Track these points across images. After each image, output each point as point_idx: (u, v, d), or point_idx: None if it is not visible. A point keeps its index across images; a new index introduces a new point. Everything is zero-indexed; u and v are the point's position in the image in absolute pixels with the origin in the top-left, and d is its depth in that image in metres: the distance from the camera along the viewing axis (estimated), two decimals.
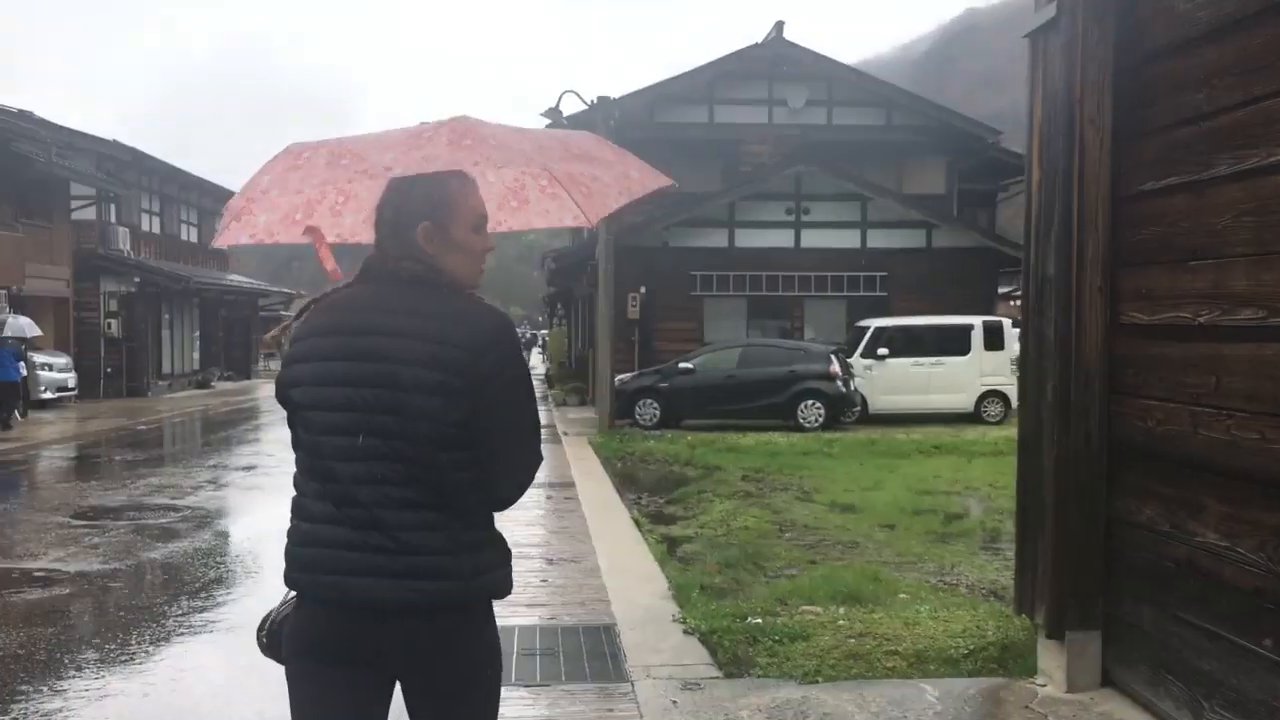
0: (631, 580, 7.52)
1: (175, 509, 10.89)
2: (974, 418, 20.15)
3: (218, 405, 26.41)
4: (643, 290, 22.88)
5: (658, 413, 19.36)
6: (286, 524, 2.19)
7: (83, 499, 11.58)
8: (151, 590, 7.53)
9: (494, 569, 2.14)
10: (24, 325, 21.02)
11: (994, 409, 20.28)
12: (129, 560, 8.41)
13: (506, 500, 2.14)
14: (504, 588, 2.16)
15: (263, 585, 7.43)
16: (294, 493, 2.18)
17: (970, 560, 8.70)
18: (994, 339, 20.37)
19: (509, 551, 2.21)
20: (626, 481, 13.60)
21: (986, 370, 20.30)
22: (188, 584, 7.60)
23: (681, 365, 19.54)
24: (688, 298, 23.30)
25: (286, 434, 2.26)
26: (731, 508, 11.35)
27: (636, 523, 9.97)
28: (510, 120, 2.51)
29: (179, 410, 24.88)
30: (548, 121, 19.76)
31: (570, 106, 20.97)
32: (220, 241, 2.39)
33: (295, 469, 2.18)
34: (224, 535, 9.70)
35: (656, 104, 24.93)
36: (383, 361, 2.02)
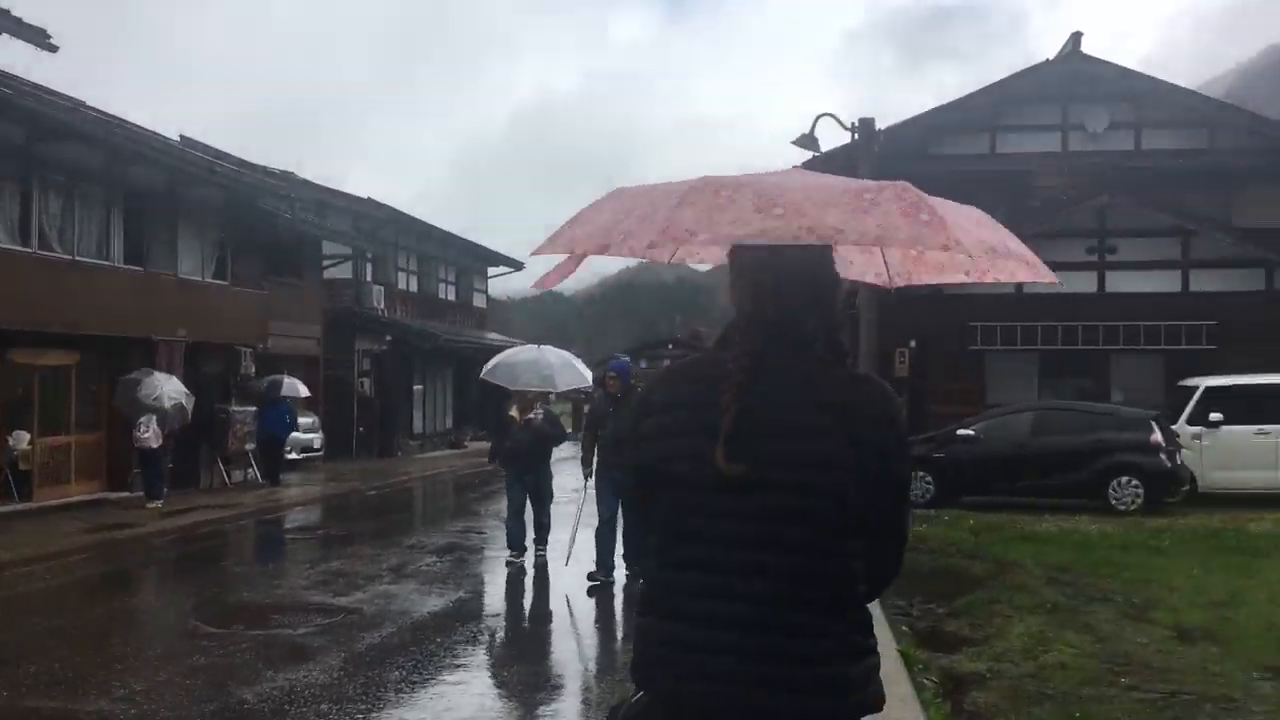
0: None
1: (329, 610, 9.12)
2: None
3: (461, 467, 25.52)
4: (912, 344, 20.13)
5: (931, 488, 16.42)
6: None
7: (225, 593, 10.11)
8: None
9: (876, 678, 1.98)
10: (297, 385, 21.99)
11: None
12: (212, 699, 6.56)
13: (875, 596, 2.06)
14: (882, 698, 1.99)
15: None
16: (647, 583, 2.12)
17: None
18: None
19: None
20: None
21: None
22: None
23: (960, 433, 16.53)
24: (966, 353, 20.24)
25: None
26: (1037, 627, 8.60)
27: (904, 656, 7.28)
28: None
29: (420, 473, 24.11)
30: (803, 153, 17.49)
31: (827, 139, 18.62)
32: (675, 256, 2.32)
33: (656, 555, 2.05)
34: (351, 655, 7.75)
35: (929, 135, 22.18)
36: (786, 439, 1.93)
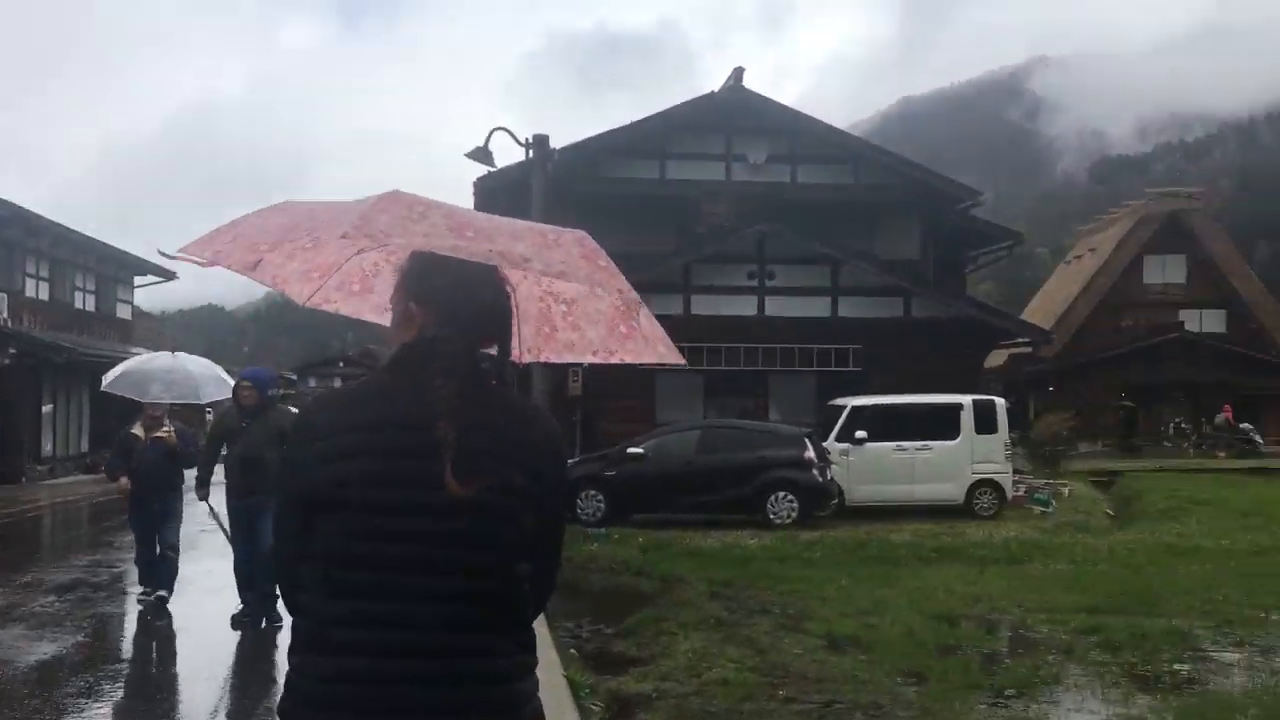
0: None
1: None
2: (964, 510, 17.47)
3: (97, 493, 22.98)
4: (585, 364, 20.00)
5: (603, 507, 16.46)
6: None
7: None
8: None
9: (537, 696, 2.04)
10: None
11: (986, 500, 17.63)
12: None
13: (538, 615, 2.10)
14: (542, 716, 2.05)
15: None
16: (301, 617, 1.98)
17: None
18: (986, 420, 17.80)
19: None
20: (560, 600, 10.76)
21: (978, 456, 17.69)
22: None
23: (631, 451, 16.69)
24: (636, 372, 20.56)
25: None
26: (701, 644, 8.66)
27: (572, 682, 7.01)
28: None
29: (48, 500, 21.52)
30: (478, 169, 17.14)
31: (503, 157, 18.30)
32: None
33: (308, 588, 1.96)
34: None
35: (602, 157, 22.48)
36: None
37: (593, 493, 16.49)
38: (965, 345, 20.95)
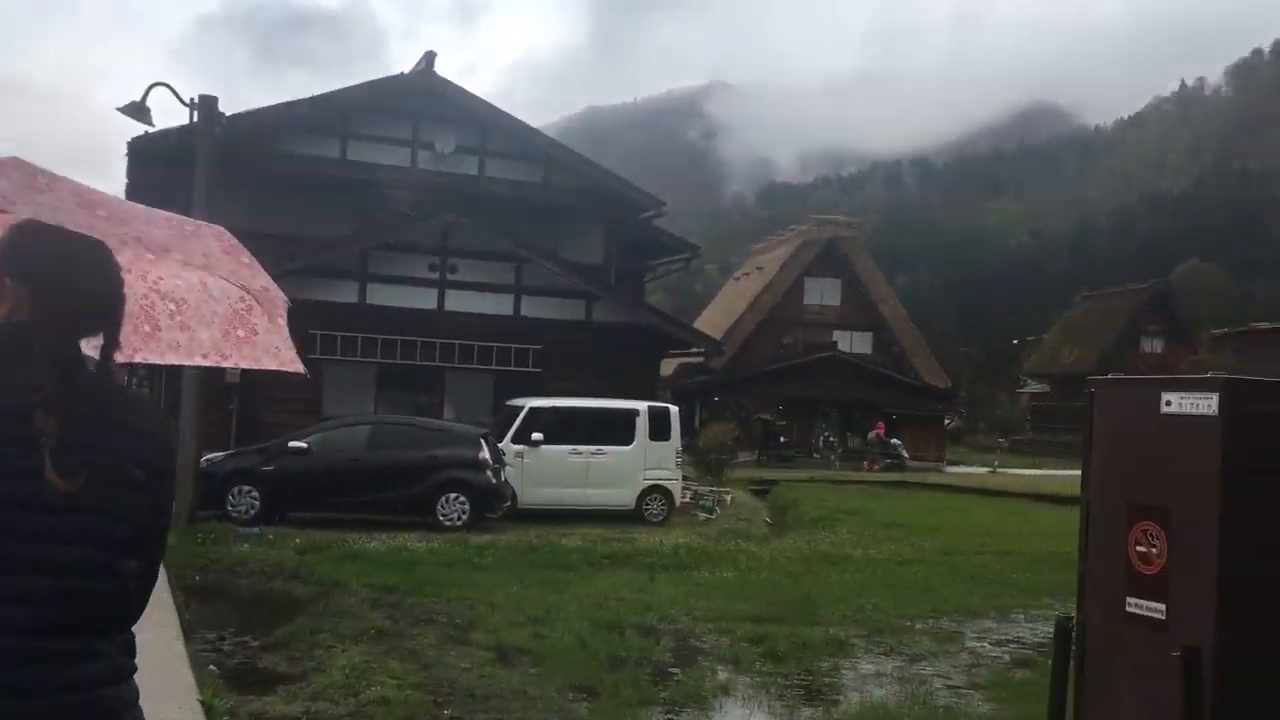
0: None
1: None
2: (635, 516, 17.60)
3: None
4: None
5: (257, 503, 15.20)
6: None
7: None
8: None
9: (139, 705, 1.90)
10: None
11: (656, 506, 17.85)
12: None
13: (139, 615, 1.95)
14: None
15: None
16: None
17: None
18: (660, 427, 18.02)
19: None
20: (203, 608, 9.76)
21: (651, 462, 17.88)
22: None
23: (293, 444, 15.53)
24: (304, 362, 19.26)
25: None
26: (361, 658, 8.01)
27: (207, 708, 6.15)
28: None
29: None
30: (135, 127, 15.38)
31: (165, 118, 16.58)
32: None
33: None
34: None
35: (277, 130, 21.00)
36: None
37: (246, 488, 15.21)
38: (643, 352, 21.20)
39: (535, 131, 22.71)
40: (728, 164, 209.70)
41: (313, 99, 21.11)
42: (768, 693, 7.71)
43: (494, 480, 15.77)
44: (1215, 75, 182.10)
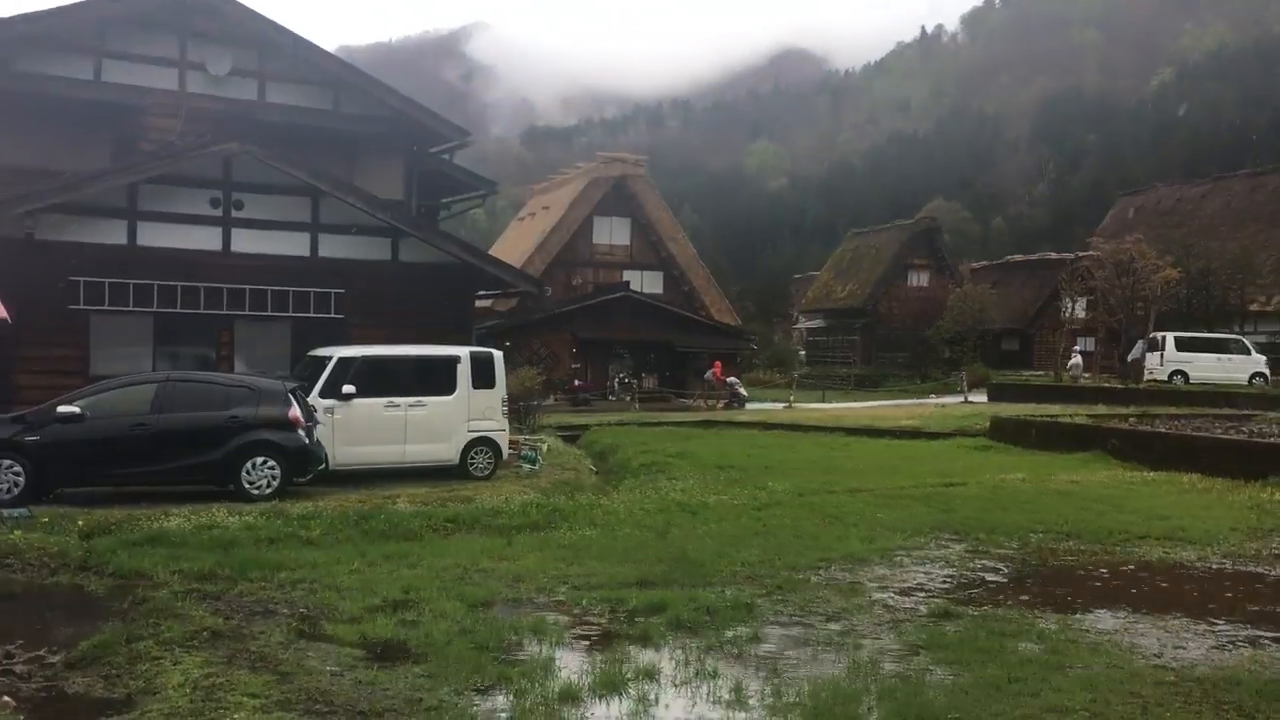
0: None
1: None
2: (459, 472, 16.23)
3: None
4: None
5: (21, 479, 12.93)
6: None
7: None
8: None
9: None
10: None
11: (482, 460, 16.51)
12: None
13: None
14: None
15: None
16: None
17: None
18: (483, 374, 16.62)
19: None
20: None
21: (475, 413, 16.49)
22: None
23: (62, 410, 13.24)
24: (66, 313, 16.73)
25: None
26: (200, 672, 6.69)
27: None
28: None
29: None
30: None
31: None
32: None
33: None
34: None
35: (17, 47, 18.11)
36: None
37: (8, 463, 12.90)
38: (456, 294, 19.60)
39: (325, 53, 20.50)
40: (490, 106, 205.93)
41: (60, 9, 18.23)
42: (700, 675, 6.71)
43: (307, 441, 14.04)
44: (952, 24, 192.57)
